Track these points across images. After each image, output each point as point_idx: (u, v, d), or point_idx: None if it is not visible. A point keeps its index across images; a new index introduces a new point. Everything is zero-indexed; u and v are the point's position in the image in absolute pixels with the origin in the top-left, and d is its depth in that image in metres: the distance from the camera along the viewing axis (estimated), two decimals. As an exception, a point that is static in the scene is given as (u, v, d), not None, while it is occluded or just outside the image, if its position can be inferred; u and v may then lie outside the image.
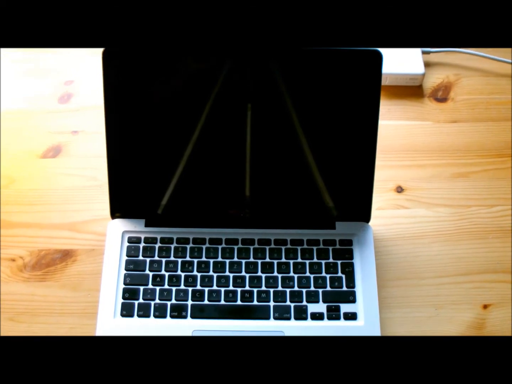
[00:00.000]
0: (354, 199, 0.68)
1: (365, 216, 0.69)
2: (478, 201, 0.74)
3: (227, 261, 0.67)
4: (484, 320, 0.66)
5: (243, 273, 0.67)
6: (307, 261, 0.67)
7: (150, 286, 0.66)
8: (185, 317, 0.64)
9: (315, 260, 0.67)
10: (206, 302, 0.65)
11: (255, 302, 0.65)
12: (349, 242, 0.68)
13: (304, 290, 0.66)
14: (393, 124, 0.80)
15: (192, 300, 0.65)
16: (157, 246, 0.68)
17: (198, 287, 0.66)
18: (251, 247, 0.68)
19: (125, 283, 0.66)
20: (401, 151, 0.78)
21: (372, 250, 0.68)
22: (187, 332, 0.64)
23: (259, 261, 0.67)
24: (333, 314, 0.65)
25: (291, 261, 0.67)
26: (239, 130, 0.65)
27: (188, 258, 0.67)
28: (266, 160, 0.66)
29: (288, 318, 0.65)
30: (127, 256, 0.67)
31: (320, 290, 0.66)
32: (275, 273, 0.67)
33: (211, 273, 0.67)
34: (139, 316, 0.65)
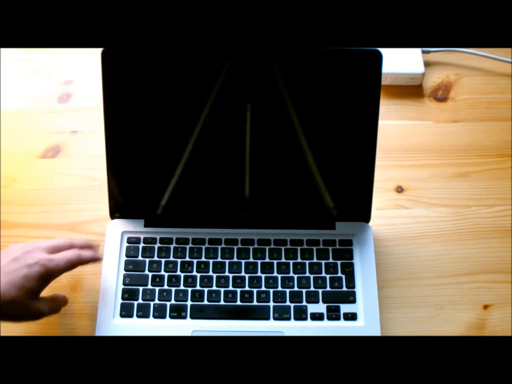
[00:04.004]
0: (354, 199, 0.68)
1: (365, 216, 0.69)
2: (479, 201, 0.74)
3: (227, 261, 0.67)
4: (485, 320, 0.66)
5: (243, 274, 0.66)
6: (307, 261, 0.67)
7: (149, 286, 0.66)
8: (184, 317, 0.64)
9: (315, 260, 0.67)
10: (205, 302, 0.65)
11: (255, 303, 0.65)
12: (349, 242, 0.68)
13: (304, 291, 0.66)
14: (393, 124, 0.80)
15: (192, 300, 0.65)
16: (156, 246, 0.68)
17: (198, 287, 0.66)
18: (251, 247, 0.68)
19: (124, 284, 0.66)
20: (401, 151, 0.78)
21: (372, 250, 0.68)
22: (187, 333, 0.63)
23: (259, 261, 0.67)
24: (333, 314, 0.65)
25: (291, 261, 0.67)
26: (238, 130, 0.65)
27: (187, 259, 0.67)
28: (266, 160, 0.66)
29: (288, 319, 0.64)
30: (127, 256, 0.67)
31: (320, 291, 0.66)
32: (275, 273, 0.67)
33: (210, 273, 0.66)
34: (138, 316, 0.64)
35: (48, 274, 0.59)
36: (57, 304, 0.63)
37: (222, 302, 0.65)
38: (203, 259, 0.67)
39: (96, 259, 0.63)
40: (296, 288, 0.66)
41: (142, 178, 0.67)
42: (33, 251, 0.59)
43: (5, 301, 0.55)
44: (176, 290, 0.66)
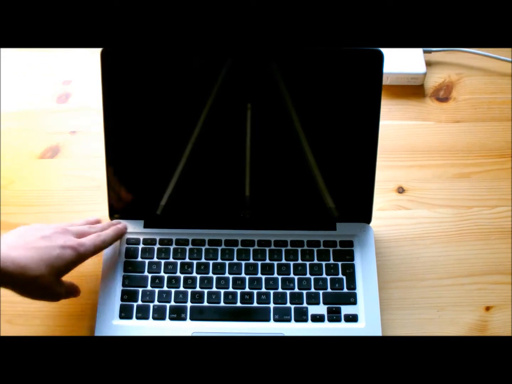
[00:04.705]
0: (355, 199, 0.68)
1: (366, 217, 0.69)
2: (480, 201, 0.73)
3: (227, 262, 0.67)
4: (487, 322, 0.66)
5: (243, 275, 0.66)
6: (308, 263, 0.67)
7: (149, 287, 0.65)
8: (184, 319, 0.64)
9: (315, 261, 0.67)
10: (205, 304, 0.65)
11: (255, 304, 0.65)
12: (350, 243, 0.68)
13: (304, 292, 0.65)
14: (394, 124, 0.79)
15: (192, 302, 0.65)
16: (156, 247, 0.67)
17: (198, 288, 0.65)
18: (251, 248, 0.67)
19: (123, 285, 0.65)
20: (402, 151, 0.77)
21: (373, 251, 0.67)
22: (186, 334, 0.63)
23: (259, 263, 0.67)
24: (334, 316, 0.64)
25: (291, 263, 0.67)
26: (239, 130, 0.65)
27: (187, 260, 0.67)
28: (266, 160, 0.66)
29: (288, 320, 0.64)
30: (126, 257, 0.67)
31: (321, 292, 0.65)
32: (275, 275, 0.66)
33: (210, 274, 0.66)
34: (137, 318, 0.64)
35: (78, 259, 0.60)
36: (74, 289, 0.63)
37: (222, 304, 0.65)
38: (203, 260, 0.67)
39: (118, 237, 0.66)
40: (296, 290, 0.65)
41: (142, 178, 0.67)
42: (64, 233, 0.60)
43: (33, 276, 0.56)
44: (175, 292, 0.65)
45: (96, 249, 0.62)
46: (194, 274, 0.66)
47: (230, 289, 0.65)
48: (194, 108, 0.64)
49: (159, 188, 0.67)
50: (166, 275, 0.66)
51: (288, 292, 0.65)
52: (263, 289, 0.65)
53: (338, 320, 0.64)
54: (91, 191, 0.74)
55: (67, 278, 0.68)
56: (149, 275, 0.66)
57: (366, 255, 0.67)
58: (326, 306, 0.65)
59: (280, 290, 0.65)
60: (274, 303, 0.65)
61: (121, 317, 0.64)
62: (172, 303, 0.65)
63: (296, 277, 0.66)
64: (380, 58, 0.62)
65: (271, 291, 0.65)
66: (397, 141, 0.78)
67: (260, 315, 0.64)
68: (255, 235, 0.68)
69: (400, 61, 0.81)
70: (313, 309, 0.64)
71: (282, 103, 0.64)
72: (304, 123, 0.64)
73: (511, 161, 0.76)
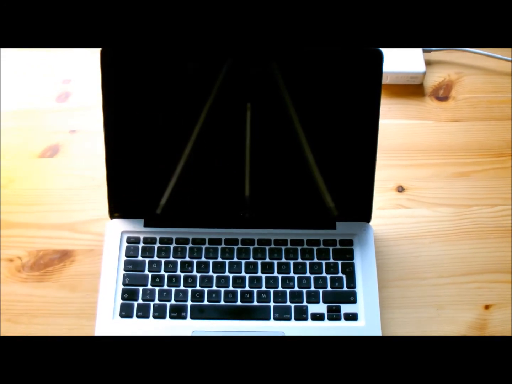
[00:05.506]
0: (354, 198, 0.68)
1: (366, 216, 0.69)
2: (479, 200, 0.73)
3: (227, 261, 0.67)
4: (486, 320, 0.66)
5: (243, 274, 0.66)
6: (307, 261, 0.67)
7: (149, 286, 0.65)
8: (184, 317, 0.64)
9: (315, 260, 0.67)
10: (205, 302, 0.65)
11: (255, 303, 0.65)
12: (350, 242, 0.68)
13: (304, 291, 0.65)
14: (394, 123, 0.79)
15: (192, 300, 0.65)
16: (156, 246, 0.67)
17: (198, 287, 0.65)
18: (251, 247, 0.68)
19: (124, 284, 0.66)
20: (402, 150, 0.77)
21: (372, 250, 0.68)
22: (187, 333, 0.63)
23: (259, 261, 0.67)
24: (334, 314, 0.64)
25: (291, 261, 0.67)
26: (238, 130, 0.65)
27: (187, 259, 0.67)
28: (266, 159, 0.66)
29: (289, 319, 0.64)
30: (126, 256, 0.67)
31: (321, 291, 0.65)
32: (275, 274, 0.66)
33: (210, 273, 0.66)
34: (138, 316, 0.64)
35: None
36: None
37: (222, 302, 0.65)
38: (203, 259, 0.67)
39: None
40: (296, 288, 0.65)
41: (142, 177, 0.67)
42: None
43: None
44: (176, 290, 0.65)
45: None
46: (194, 273, 0.66)
47: (230, 288, 0.65)
48: (194, 108, 0.64)
49: (159, 187, 0.67)
50: (166, 274, 0.66)
51: (288, 290, 0.65)
52: (263, 288, 0.65)
53: (338, 318, 0.64)
54: (91, 190, 0.74)
55: (66, 278, 0.68)
56: (150, 274, 0.66)
57: (366, 254, 0.67)
58: (326, 305, 0.65)
59: (280, 288, 0.65)
60: (274, 301, 0.65)
61: (121, 316, 0.64)
62: (173, 301, 0.65)
63: (296, 276, 0.66)
64: (380, 58, 0.62)
65: (271, 290, 0.65)
66: (397, 140, 0.78)
67: (260, 314, 0.64)
68: (255, 234, 0.68)
69: (400, 60, 0.81)
70: (313, 308, 0.65)
71: (281, 103, 0.64)
72: (304, 122, 0.64)
73: (510, 160, 0.76)
